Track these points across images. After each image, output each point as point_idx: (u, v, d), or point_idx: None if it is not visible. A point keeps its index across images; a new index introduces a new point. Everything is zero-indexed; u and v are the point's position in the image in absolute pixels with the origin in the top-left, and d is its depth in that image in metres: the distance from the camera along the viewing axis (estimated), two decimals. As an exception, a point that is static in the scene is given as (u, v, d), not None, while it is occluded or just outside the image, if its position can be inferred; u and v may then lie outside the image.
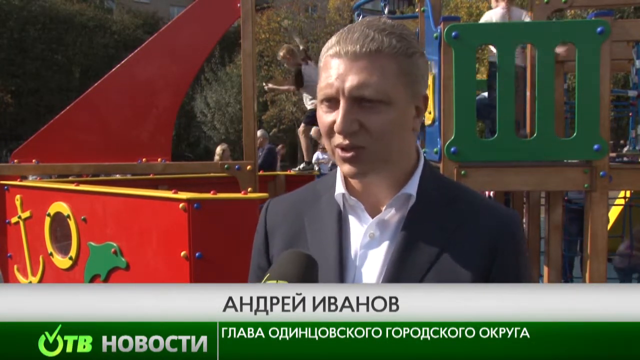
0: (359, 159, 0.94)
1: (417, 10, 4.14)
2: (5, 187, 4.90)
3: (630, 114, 7.25)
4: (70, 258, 4.23)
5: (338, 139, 0.94)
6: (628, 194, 6.17)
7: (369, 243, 1.00)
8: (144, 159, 4.82)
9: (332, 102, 0.94)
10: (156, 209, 3.64)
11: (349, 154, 0.93)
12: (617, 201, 6.66)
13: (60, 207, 4.29)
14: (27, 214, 4.65)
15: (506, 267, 0.97)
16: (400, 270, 0.96)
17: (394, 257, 0.97)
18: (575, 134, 2.77)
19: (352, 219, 1.03)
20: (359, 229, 1.02)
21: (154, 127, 4.86)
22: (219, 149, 8.13)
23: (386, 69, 0.91)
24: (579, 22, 2.80)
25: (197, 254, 3.38)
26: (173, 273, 3.51)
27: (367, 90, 0.90)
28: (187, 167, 5.74)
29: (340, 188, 1.03)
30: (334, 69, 0.92)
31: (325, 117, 0.95)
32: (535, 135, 2.79)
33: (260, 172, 5.58)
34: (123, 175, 6.38)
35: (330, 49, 0.94)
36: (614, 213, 6.86)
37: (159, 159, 4.84)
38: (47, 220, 4.42)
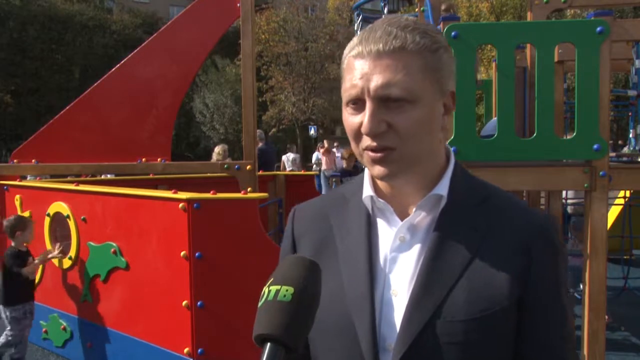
0: (389, 160, 0.91)
1: (417, 10, 4.15)
2: (5, 187, 4.90)
3: (630, 114, 7.25)
4: (70, 258, 4.23)
5: (366, 140, 0.91)
6: (628, 193, 6.17)
7: (399, 247, 0.97)
8: (143, 159, 4.81)
9: (357, 103, 0.91)
10: (156, 209, 3.64)
11: (378, 155, 0.91)
12: (617, 201, 6.66)
13: (60, 207, 4.29)
14: (26, 214, 4.64)
15: (544, 265, 0.94)
16: (433, 274, 0.93)
17: (426, 261, 0.94)
18: (574, 134, 2.77)
19: (380, 223, 1.00)
20: (388, 232, 0.99)
21: (154, 127, 4.85)
22: (217, 149, 8.10)
23: (411, 66, 0.88)
24: (578, 22, 2.79)
25: (197, 254, 3.38)
26: (173, 273, 3.51)
27: (392, 89, 0.88)
28: (186, 167, 5.73)
29: (368, 190, 1.00)
30: (358, 69, 0.90)
31: (352, 119, 0.93)
32: (535, 135, 2.78)
33: (260, 172, 5.57)
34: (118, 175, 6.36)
35: (353, 50, 0.92)
36: (613, 213, 6.86)
37: (159, 159, 4.83)
38: (47, 220, 4.41)
